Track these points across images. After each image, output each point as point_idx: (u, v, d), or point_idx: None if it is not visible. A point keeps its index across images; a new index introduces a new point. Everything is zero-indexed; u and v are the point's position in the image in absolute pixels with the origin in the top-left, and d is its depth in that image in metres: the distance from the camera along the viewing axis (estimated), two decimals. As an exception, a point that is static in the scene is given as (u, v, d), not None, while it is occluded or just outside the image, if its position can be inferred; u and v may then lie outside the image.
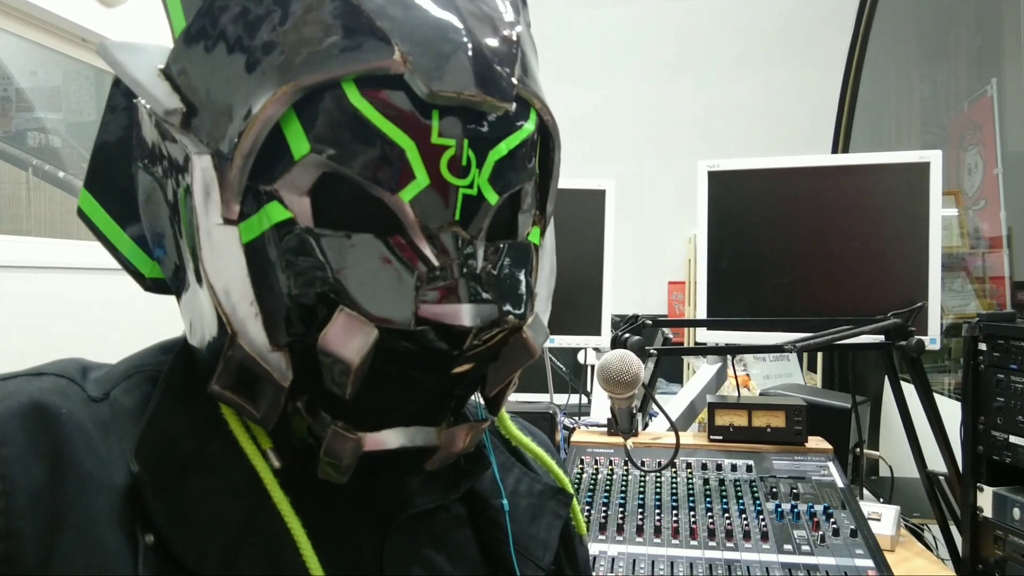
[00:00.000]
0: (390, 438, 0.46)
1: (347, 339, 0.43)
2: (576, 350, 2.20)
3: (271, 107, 0.42)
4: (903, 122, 3.76)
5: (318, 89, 0.42)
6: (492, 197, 0.46)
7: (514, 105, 0.46)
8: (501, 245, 0.48)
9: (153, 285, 0.58)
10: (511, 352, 0.50)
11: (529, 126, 0.48)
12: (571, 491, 0.65)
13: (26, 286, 2.25)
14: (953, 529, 1.33)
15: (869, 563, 1.09)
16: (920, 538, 1.56)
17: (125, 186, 0.55)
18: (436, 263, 0.44)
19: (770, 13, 4.01)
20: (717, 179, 1.59)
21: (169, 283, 0.54)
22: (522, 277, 0.50)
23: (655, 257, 4.23)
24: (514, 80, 0.46)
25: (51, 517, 0.42)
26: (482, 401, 0.55)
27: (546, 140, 0.52)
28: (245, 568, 0.45)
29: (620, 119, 4.10)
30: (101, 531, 0.43)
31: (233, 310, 0.44)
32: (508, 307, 0.47)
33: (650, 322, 1.36)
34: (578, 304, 1.69)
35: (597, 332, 1.71)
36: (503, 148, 0.46)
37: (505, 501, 0.59)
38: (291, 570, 0.46)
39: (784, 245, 1.56)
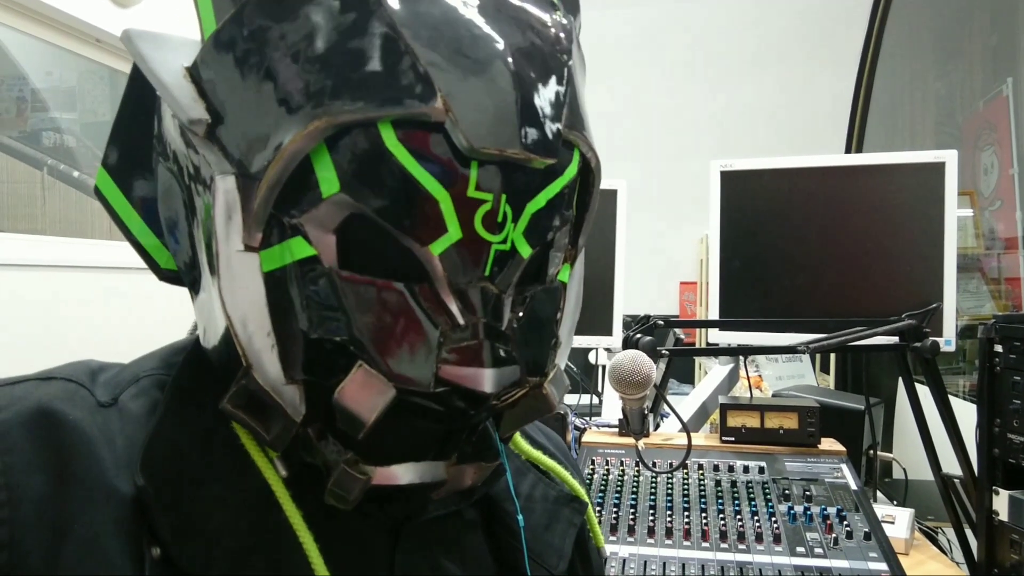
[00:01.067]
0: (400, 473, 0.45)
1: (363, 397, 0.42)
2: (587, 350, 2.20)
3: (301, 140, 0.40)
4: (917, 122, 3.73)
5: (352, 127, 0.40)
6: (525, 251, 0.44)
7: (554, 160, 0.44)
8: (528, 295, 0.47)
9: (168, 275, 0.56)
10: (529, 403, 0.49)
11: (571, 170, 0.46)
12: (586, 499, 0.64)
13: (41, 285, 2.26)
14: (968, 533, 1.32)
15: (883, 566, 1.08)
16: (934, 541, 1.55)
17: (144, 169, 0.53)
18: (461, 321, 0.42)
19: (784, 12, 3.99)
20: (730, 179, 1.58)
21: (183, 276, 0.52)
22: (547, 328, 0.49)
23: (666, 257, 4.22)
24: (560, 129, 0.43)
25: (56, 527, 0.41)
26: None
27: (586, 175, 0.50)
28: None
29: (632, 119, 4.09)
30: (106, 543, 0.42)
31: (249, 340, 0.43)
32: (529, 367, 0.46)
33: (662, 323, 1.36)
34: (589, 304, 1.68)
35: (608, 332, 1.70)
36: (541, 200, 0.44)
37: (519, 509, 0.58)
38: None
39: (797, 245, 1.55)
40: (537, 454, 0.63)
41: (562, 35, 0.46)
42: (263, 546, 0.45)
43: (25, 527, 0.40)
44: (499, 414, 0.50)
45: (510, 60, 0.42)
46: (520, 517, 0.57)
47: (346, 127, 0.40)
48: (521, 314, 0.46)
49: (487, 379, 0.42)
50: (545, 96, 0.43)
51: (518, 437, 0.63)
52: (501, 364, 0.43)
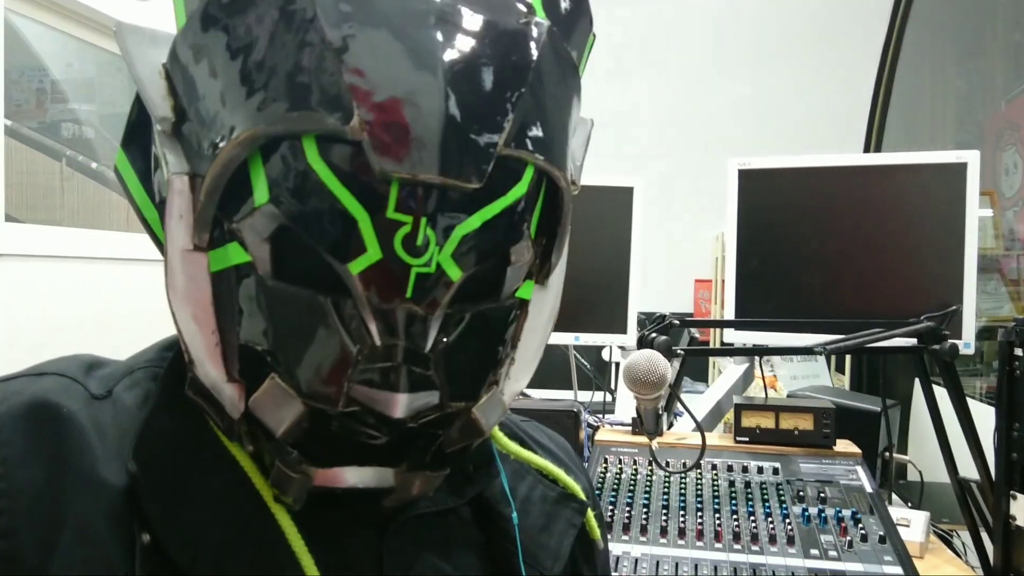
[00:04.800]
0: (343, 476, 0.45)
1: (273, 408, 0.42)
2: (601, 347, 2.19)
3: (233, 148, 0.40)
4: (938, 120, 3.69)
5: (280, 138, 0.40)
6: (455, 274, 0.42)
7: (486, 178, 0.41)
8: (466, 314, 0.45)
9: None
10: (459, 427, 0.47)
11: (518, 190, 0.43)
12: (585, 499, 0.63)
13: (59, 275, 2.28)
14: (984, 537, 1.31)
15: (898, 570, 1.07)
16: (949, 544, 1.53)
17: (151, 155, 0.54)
18: (379, 342, 0.41)
19: (803, 8, 3.96)
20: (747, 178, 1.57)
21: None
22: (488, 349, 0.47)
23: (682, 255, 4.19)
24: (495, 148, 0.41)
25: (51, 517, 0.42)
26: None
27: (552, 190, 0.47)
28: (239, 569, 0.45)
29: (648, 115, 4.07)
30: (100, 531, 0.43)
31: (192, 338, 0.44)
32: (453, 392, 0.45)
33: (677, 322, 1.35)
34: (604, 302, 1.68)
35: (623, 330, 1.69)
36: (475, 222, 0.42)
37: (514, 511, 0.57)
38: (286, 572, 0.45)
39: (815, 245, 1.54)
40: (527, 454, 0.62)
41: (527, 44, 0.43)
42: (249, 537, 0.46)
43: (22, 517, 0.41)
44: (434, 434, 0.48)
45: (442, 75, 0.40)
46: (515, 515, 0.57)
47: (275, 138, 0.40)
48: (453, 335, 0.44)
49: (398, 404, 0.42)
50: (484, 114, 0.41)
51: (499, 435, 0.61)
52: (417, 389, 0.42)
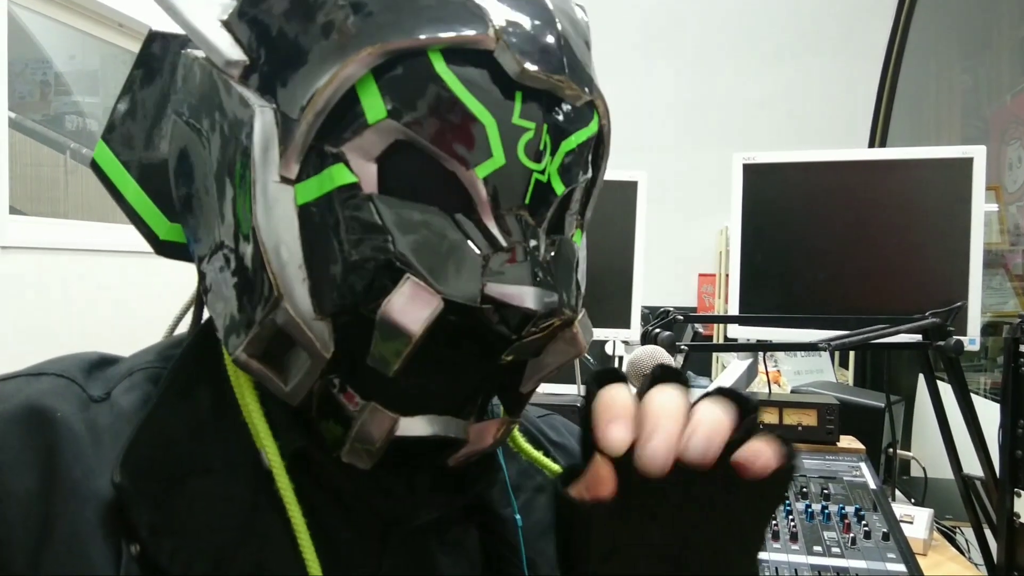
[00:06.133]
0: (422, 425, 0.44)
1: (411, 308, 0.41)
2: (604, 341, 2.19)
3: (352, 66, 0.40)
4: (943, 115, 3.68)
5: (403, 55, 0.41)
6: (559, 187, 0.46)
7: (590, 98, 0.46)
8: (556, 239, 0.47)
9: (167, 248, 0.54)
10: (558, 346, 0.48)
11: (594, 125, 0.47)
12: None
13: (63, 267, 2.29)
14: (988, 534, 1.31)
15: (901, 568, 1.07)
16: (952, 541, 1.53)
17: (145, 140, 0.53)
18: (504, 244, 0.43)
19: (808, 3, 3.94)
20: (752, 172, 1.57)
21: (190, 248, 0.51)
22: (573, 273, 0.49)
23: (685, 249, 4.20)
24: (592, 76, 0.46)
25: (41, 525, 0.41)
26: (500, 401, 0.52)
27: (598, 146, 0.50)
28: (240, 573, 0.44)
29: (652, 109, 4.06)
30: (87, 542, 0.42)
31: (282, 269, 0.42)
32: (567, 297, 0.46)
33: (681, 317, 1.35)
34: (607, 296, 1.68)
35: (626, 325, 1.69)
36: (573, 141, 0.45)
37: (516, 512, 0.56)
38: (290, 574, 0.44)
39: (820, 240, 1.53)
40: (537, 455, 0.59)
41: (583, 15, 0.49)
42: (250, 544, 0.44)
43: (12, 525, 0.40)
44: (520, 368, 0.49)
45: (552, 7, 0.45)
46: (518, 516, 0.55)
47: (396, 54, 0.41)
48: (554, 253, 0.46)
49: (532, 296, 0.42)
50: (579, 45, 0.46)
51: (520, 438, 0.59)
52: (544, 286, 0.43)
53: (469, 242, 0.43)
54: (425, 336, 0.41)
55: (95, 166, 0.53)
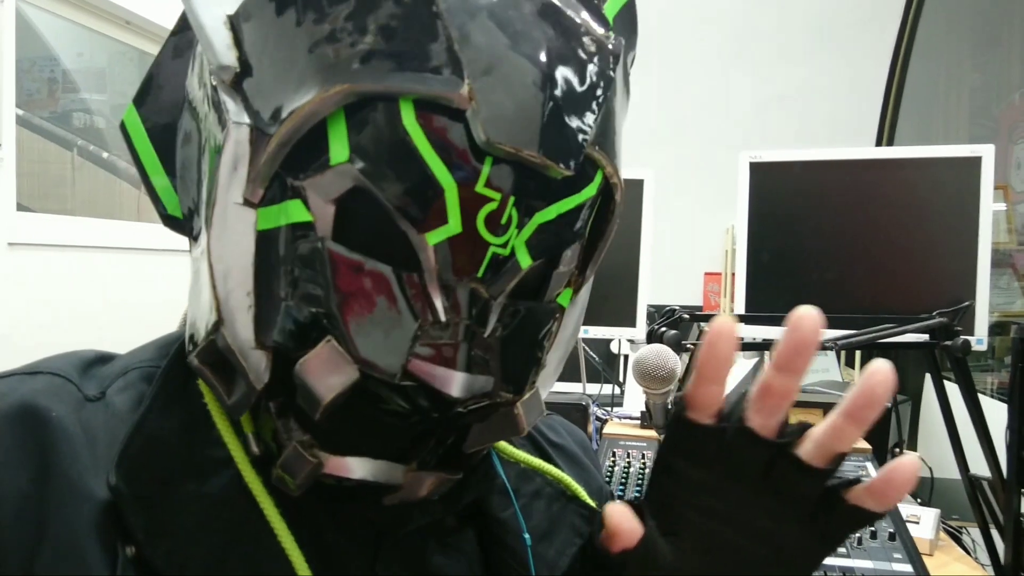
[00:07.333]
0: (353, 467, 0.43)
1: (324, 373, 0.40)
2: (609, 340, 2.18)
3: (319, 103, 0.39)
4: (951, 114, 3.66)
5: (373, 98, 0.39)
6: (525, 261, 0.42)
7: (575, 170, 0.41)
8: (520, 308, 0.44)
9: (172, 221, 0.53)
10: (498, 421, 0.46)
11: (590, 190, 0.44)
12: (594, 505, 0.59)
13: (70, 264, 2.30)
14: (995, 534, 1.30)
15: (908, 568, 1.07)
16: (959, 541, 1.53)
17: (168, 111, 0.52)
18: (443, 318, 0.40)
19: (816, 1, 3.93)
20: (759, 171, 1.56)
21: (184, 223, 0.51)
22: (533, 349, 0.46)
23: (691, 247, 4.18)
24: (586, 141, 0.41)
25: (35, 526, 0.41)
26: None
27: (607, 201, 0.47)
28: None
29: (659, 107, 4.05)
30: (82, 543, 0.41)
31: (227, 296, 0.41)
32: (506, 381, 0.44)
33: (687, 316, 1.34)
34: (613, 295, 1.68)
35: (632, 323, 1.69)
36: (552, 212, 0.42)
37: (518, 512, 0.55)
38: None
39: (827, 239, 1.53)
40: (536, 461, 0.59)
41: (609, 57, 0.44)
42: (242, 546, 0.44)
43: (6, 526, 0.40)
44: (466, 426, 0.47)
45: (546, 62, 0.40)
46: (520, 517, 0.55)
47: (367, 97, 0.39)
48: (507, 326, 0.44)
49: (457, 383, 0.40)
50: (576, 107, 0.41)
51: (511, 448, 0.59)
52: (475, 371, 0.41)
53: (407, 309, 0.40)
54: (342, 399, 0.40)
55: (123, 128, 0.53)
